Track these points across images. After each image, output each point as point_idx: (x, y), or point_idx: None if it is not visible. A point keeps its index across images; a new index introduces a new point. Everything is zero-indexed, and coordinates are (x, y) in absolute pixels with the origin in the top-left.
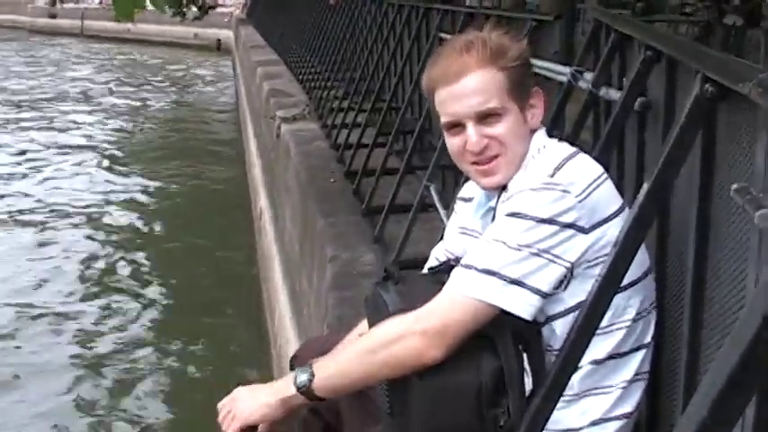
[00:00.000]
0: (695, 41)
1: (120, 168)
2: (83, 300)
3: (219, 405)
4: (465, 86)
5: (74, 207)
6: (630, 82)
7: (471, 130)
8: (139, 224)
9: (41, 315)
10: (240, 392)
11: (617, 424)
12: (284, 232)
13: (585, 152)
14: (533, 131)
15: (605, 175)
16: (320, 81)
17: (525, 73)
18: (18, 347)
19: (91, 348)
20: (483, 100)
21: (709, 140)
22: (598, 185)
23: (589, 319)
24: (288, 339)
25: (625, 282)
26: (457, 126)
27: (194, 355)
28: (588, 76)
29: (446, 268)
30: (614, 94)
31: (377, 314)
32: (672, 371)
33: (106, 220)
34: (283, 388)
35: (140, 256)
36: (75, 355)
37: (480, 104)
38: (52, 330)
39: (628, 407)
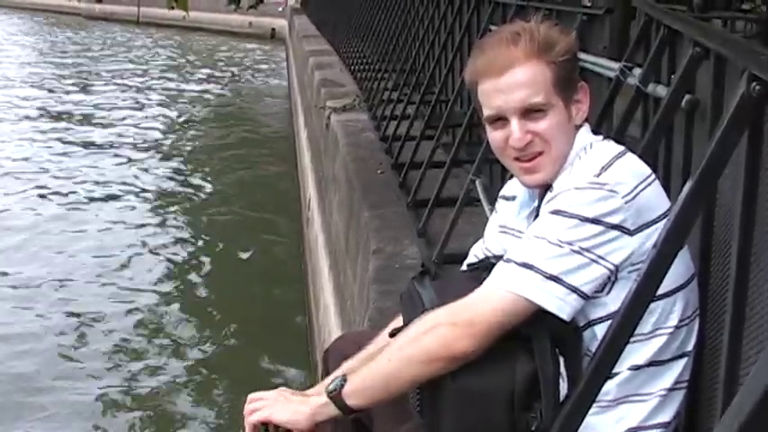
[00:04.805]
0: (744, 38)
1: (171, 157)
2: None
3: (253, 395)
4: (511, 80)
5: (123, 190)
6: (677, 78)
7: (515, 125)
8: (189, 211)
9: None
10: (279, 392)
11: None
12: (331, 222)
13: (632, 150)
14: (578, 127)
15: (653, 176)
16: (371, 72)
17: (572, 67)
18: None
19: (127, 330)
20: (529, 94)
21: (756, 140)
22: (645, 186)
23: (625, 324)
24: (331, 331)
25: (671, 286)
26: (500, 120)
27: (237, 346)
28: (638, 72)
29: (484, 266)
30: (662, 91)
31: (412, 309)
32: (712, 381)
33: (150, 206)
34: (316, 398)
35: (186, 243)
36: (116, 328)
37: (526, 99)
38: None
39: (666, 416)
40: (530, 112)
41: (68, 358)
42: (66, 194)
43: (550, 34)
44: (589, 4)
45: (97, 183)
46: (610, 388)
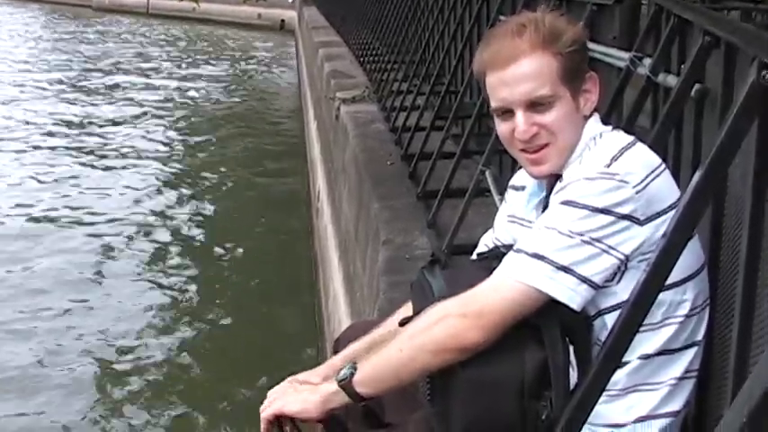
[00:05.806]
0: (757, 28)
1: (182, 139)
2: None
3: (271, 391)
4: (516, 72)
5: (132, 164)
6: (688, 68)
7: (520, 117)
8: (198, 200)
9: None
10: (288, 383)
11: (663, 422)
12: (340, 213)
13: (642, 141)
14: (586, 118)
15: (663, 166)
16: (381, 63)
17: (580, 58)
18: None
19: (139, 314)
20: (534, 87)
21: (766, 129)
22: (656, 176)
23: (634, 313)
24: (341, 320)
25: (681, 276)
26: (507, 112)
27: (246, 333)
28: (648, 62)
29: (494, 255)
30: (672, 81)
31: (422, 299)
32: (722, 369)
33: (157, 183)
34: (326, 385)
35: (197, 231)
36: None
37: (531, 92)
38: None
39: (675, 405)
40: (535, 105)
41: (76, 338)
42: (80, 167)
43: (556, 25)
44: None
45: (109, 157)
46: (620, 377)
